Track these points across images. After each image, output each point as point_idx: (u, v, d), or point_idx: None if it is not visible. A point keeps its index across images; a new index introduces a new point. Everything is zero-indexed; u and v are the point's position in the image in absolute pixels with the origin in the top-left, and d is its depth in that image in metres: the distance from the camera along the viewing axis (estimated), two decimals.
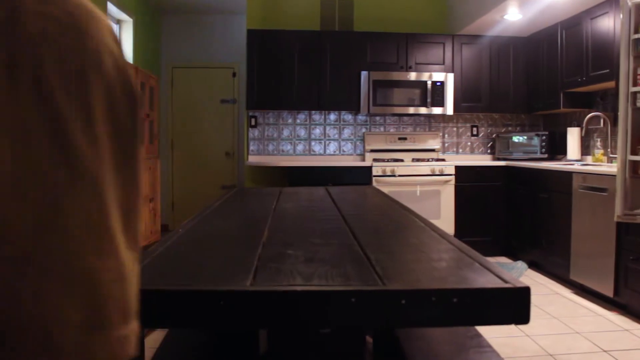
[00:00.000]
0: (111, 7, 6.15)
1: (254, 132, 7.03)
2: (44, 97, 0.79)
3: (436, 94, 6.62)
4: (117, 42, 0.92)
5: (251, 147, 7.03)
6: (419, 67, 6.76)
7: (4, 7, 0.80)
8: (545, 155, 6.49)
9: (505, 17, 6.03)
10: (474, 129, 7.27)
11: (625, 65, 4.05)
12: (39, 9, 0.81)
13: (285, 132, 7.05)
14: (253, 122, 7.02)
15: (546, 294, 4.93)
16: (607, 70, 5.08)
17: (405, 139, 7.00)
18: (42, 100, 0.79)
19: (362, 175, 6.27)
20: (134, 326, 0.91)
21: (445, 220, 6.29)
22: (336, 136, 7.10)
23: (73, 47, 0.83)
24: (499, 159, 6.97)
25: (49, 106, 0.79)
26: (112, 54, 0.89)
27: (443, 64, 6.80)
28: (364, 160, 6.98)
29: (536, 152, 6.53)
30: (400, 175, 6.27)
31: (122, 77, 0.91)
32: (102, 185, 0.86)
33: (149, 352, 3.50)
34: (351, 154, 7.11)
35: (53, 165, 0.80)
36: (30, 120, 0.78)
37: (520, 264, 5.85)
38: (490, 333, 3.69)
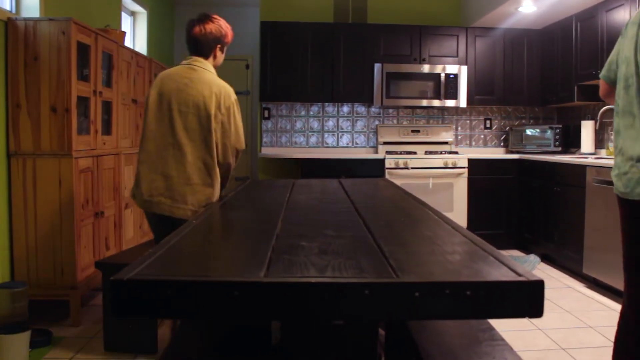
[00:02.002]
0: None
1: (267, 124, 7.04)
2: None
3: (449, 86, 6.59)
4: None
5: (264, 139, 7.04)
6: (432, 60, 6.73)
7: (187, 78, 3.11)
8: (559, 149, 6.46)
9: (520, 9, 5.99)
10: (488, 121, 7.24)
11: None
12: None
13: (299, 124, 7.05)
14: (266, 114, 7.02)
15: (559, 288, 4.92)
16: None
17: (418, 131, 6.99)
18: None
19: (375, 168, 6.26)
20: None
21: (457, 212, 6.28)
22: (349, 128, 7.09)
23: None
24: (512, 152, 6.94)
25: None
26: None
27: (457, 56, 6.77)
28: (376, 152, 6.97)
29: (550, 145, 6.50)
30: (413, 168, 6.26)
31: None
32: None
33: (161, 344, 3.52)
34: (364, 146, 7.10)
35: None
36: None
37: (533, 257, 5.84)
38: (503, 326, 3.69)
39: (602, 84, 2.86)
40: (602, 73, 2.83)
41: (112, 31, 4.75)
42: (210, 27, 3.15)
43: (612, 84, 2.77)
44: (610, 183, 4.53)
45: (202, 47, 3.15)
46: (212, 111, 3.02)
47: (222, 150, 3.08)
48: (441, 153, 6.54)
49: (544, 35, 6.72)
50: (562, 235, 5.47)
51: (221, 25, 3.20)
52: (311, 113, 7.07)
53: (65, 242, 3.88)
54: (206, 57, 3.18)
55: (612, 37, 5.20)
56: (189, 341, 2.19)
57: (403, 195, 3.10)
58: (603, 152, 5.93)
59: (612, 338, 3.69)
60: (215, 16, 3.23)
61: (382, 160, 6.28)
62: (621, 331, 2.61)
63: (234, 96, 3.13)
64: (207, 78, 3.10)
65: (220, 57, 3.26)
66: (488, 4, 6.33)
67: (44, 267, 3.87)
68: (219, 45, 3.19)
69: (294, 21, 6.76)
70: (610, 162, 4.76)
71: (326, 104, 7.03)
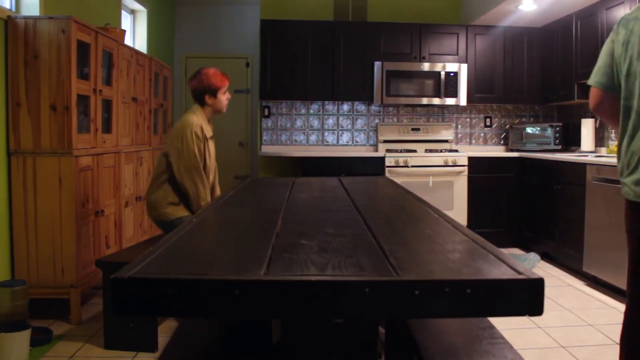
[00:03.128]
0: None
1: (267, 122, 7.04)
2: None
3: (449, 84, 6.59)
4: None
5: (264, 137, 7.04)
6: (432, 58, 6.73)
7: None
8: (559, 147, 6.46)
9: (520, 7, 5.99)
10: (488, 119, 7.24)
11: None
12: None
13: (299, 123, 7.05)
14: (266, 112, 7.02)
15: (559, 286, 4.92)
16: None
17: (418, 129, 6.98)
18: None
19: (375, 166, 6.26)
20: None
21: (458, 211, 6.28)
22: (349, 127, 7.09)
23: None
24: (512, 150, 6.94)
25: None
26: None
27: (457, 54, 6.77)
28: (377, 150, 6.97)
29: (550, 144, 6.49)
30: (413, 166, 6.25)
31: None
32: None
33: (162, 341, 3.52)
34: (364, 145, 7.10)
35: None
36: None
37: (533, 256, 5.83)
38: (503, 324, 3.69)
39: (595, 93, 2.62)
40: (595, 79, 2.60)
41: (112, 29, 4.75)
42: (194, 83, 3.89)
43: (607, 89, 2.56)
44: (610, 181, 4.54)
45: (195, 98, 3.91)
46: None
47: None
48: (441, 151, 6.54)
49: (544, 33, 6.71)
50: (562, 234, 5.47)
51: (202, 79, 3.85)
52: (311, 111, 7.07)
53: (65, 240, 3.88)
54: (202, 105, 3.90)
55: None
56: (190, 339, 2.19)
57: (403, 194, 3.10)
58: (603, 150, 5.93)
59: (612, 336, 3.70)
60: (203, 70, 3.91)
61: (382, 159, 6.28)
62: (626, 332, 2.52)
63: (184, 130, 3.73)
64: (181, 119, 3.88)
65: (216, 101, 3.90)
66: (488, 2, 6.32)
67: (44, 265, 3.87)
68: (207, 95, 3.86)
69: (294, 19, 6.76)
70: (611, 160, 4.76)
71: (326, 102, 7.03)
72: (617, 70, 2.51)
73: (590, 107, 2.70)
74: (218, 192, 4.11)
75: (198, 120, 3.78)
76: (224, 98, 3.92)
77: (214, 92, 3.86)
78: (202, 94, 3.85)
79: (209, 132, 3.87)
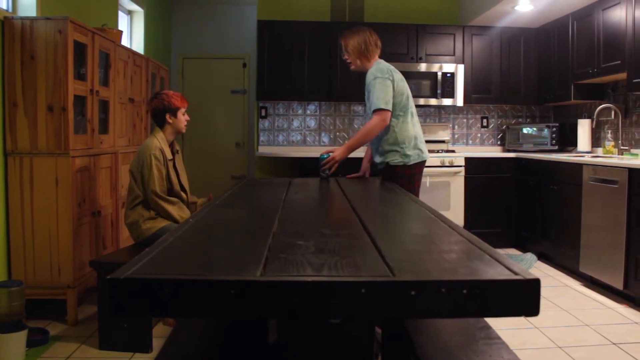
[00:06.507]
0: None
1: (264, 123, 7.03)
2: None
3: (446, 85, 6.59)
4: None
5: (261, 138, 7.04)
6: (429, 58, 6.73)
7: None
8: (556, 147, 6.47)
9: (516, 7, 5.99)
10: (484, 120, 7.25)
11: None
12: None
13: (295, 123, 7.05)
14: (263, 113, 7.02)
15: (555, 286, 4.93)
16: (619, 62, 5.04)
17: None
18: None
19: (372, 166, 6.25)
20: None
21: (454, 211, 6.28)
22: (346, 127, 7.09)
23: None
24: (509, 151, 6.94)
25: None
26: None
27: (453, 55, 6.77)
28: None
29: (546, 144, 6.50)
30: None
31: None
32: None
33: (159, 342, 3.52)
34: None
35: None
36: None
37: (530, 256, 5.84)
38: (500, 324, 3.69)
39: (389, 114, 3.90)
40: (389, 107, 3.89)
41: (109, 30, 4.74)
42: (154, 103, 3.94)
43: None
44: (607, 181, 4.55)
45: (156, 120, 3.97)
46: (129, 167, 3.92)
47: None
48: (438, 152, 6.54)
49: (541, 34, 6.72)
50: (558, 234, 5.48)
51: (164, 98, 3.91)
52: (308, 112, 7.07)
53: (62, 241, 3.87)
54: (162, 127, 3.94)
55: (608, 35, 5.21)
56: (186, 340, 2.19)
57: (400, 194, 3.10)
58: (599, 151, 5.94)
59: (609, 336, 3.71)
60: (164, 91, 4.01)
61: None
62: None
63: (144, 154, 3.79)
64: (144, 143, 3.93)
65: (177, 120, 3.96)
66: (485, 2, 6.33)
67: (41, 266, 3.87)
68: (168, 114, 3.91)
69: (291, 20, 6.76)
70: (607, 160, 4.77)
71: (323, 102, 7.03)
72: (393, 97, 3.94)
73: (384, 123, 3.90)
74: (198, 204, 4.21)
75: (158, 143, 3.84)
76: (183, 118, 3.98)
77: (174, 111, 3.92)
78: (164, 112, 3.89)
79: (169, 154, 3.90)
